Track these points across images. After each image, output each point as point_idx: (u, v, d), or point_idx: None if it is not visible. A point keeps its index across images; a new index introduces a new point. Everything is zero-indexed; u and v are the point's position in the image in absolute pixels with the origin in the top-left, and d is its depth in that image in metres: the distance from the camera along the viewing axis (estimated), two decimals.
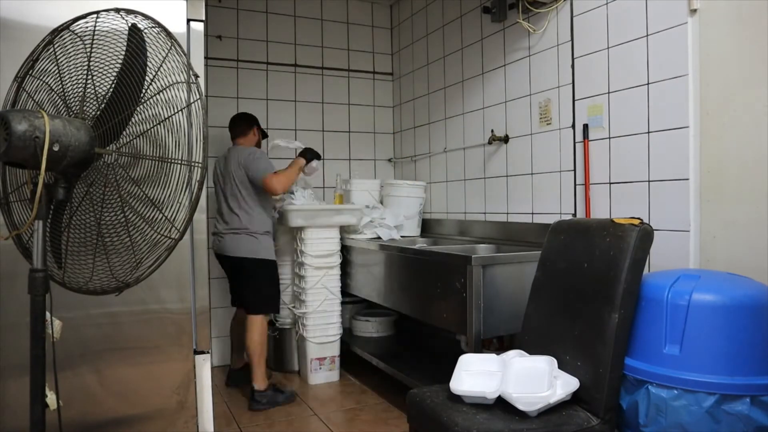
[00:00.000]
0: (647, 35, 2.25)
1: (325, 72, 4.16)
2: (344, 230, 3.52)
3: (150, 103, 1.35)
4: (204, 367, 1.89)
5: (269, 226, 3.21)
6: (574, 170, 2.64)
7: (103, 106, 1.35)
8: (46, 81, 1.41)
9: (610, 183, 2.44)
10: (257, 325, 3.08)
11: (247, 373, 3.18)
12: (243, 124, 3.32)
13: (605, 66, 2.45)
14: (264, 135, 3.51)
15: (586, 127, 2.54)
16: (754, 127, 1.91)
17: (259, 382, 3.04)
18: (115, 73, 1.36)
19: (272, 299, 3.23)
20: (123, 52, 1.36)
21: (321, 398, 3.18)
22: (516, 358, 1.82)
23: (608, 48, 2.43)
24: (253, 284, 3.13)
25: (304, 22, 4.10)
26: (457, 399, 1.73)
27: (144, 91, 1.34)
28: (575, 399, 1.69)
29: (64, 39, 1.41)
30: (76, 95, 1.39)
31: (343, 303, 3.51)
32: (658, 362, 1.60)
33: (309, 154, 3.35)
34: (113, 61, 1.38)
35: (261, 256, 3.12)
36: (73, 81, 1.40)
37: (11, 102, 1.43)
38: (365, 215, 3.51)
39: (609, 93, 2.44)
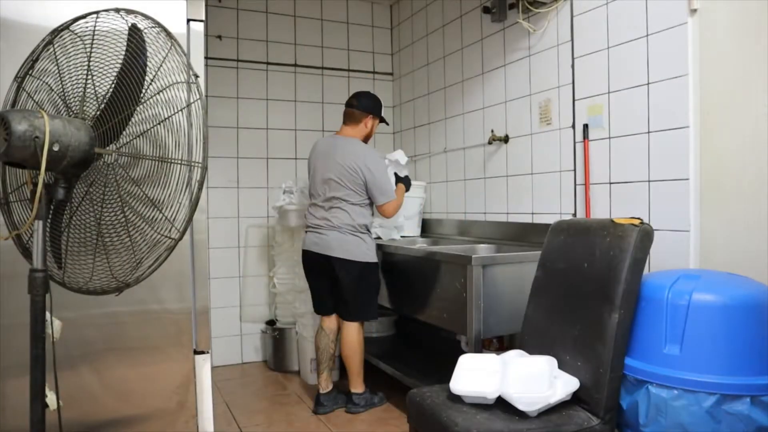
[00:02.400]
0: (647, 35, 2.25)
1: (325, 72, 4.16)
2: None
3: (150, 103, 1.35)
4: (204, 367, 1.88)
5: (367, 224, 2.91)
6: (574, 170, 2.64)
7: (103, 106, 1.35)
8: (46, 81, 1.41)
9: (610, 183, 2.44)
10: (356, 332, 2.90)
11: (338, 394, 3.01)
12: (357, 112, 2.95)
13: (605, 66, 2.45)
14: (383, 121, 3.10)
15: (586, 127, 2.54)
16: (754, 127, 1.91)
17: (358, 387, 2.95)
18: (115, 73, 1.36)
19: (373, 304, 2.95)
20: (123, 52, 1.36)
21: None
22: (516, 358, 1.82)
23: (608, 48, 2.43)
24: (355, 288, 2.85)
25: (304, 22, 4.10)
26: (457, 399, 1.73)
27: (144, 91, 1.34)
28: (575, 399, 1.69)
29: (64, 39, 1.41)
30: (76, 95, 1.39)
31: None
32: (658, 362, 1.60)
33: (407, 183, 3.17)
34: (113, 61, 1.38)
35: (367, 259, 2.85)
36: (73, 81, 1.40)
37: (11, 102, 1.43)
38: None
39: (609, 93, 2.44)
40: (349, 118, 2.97)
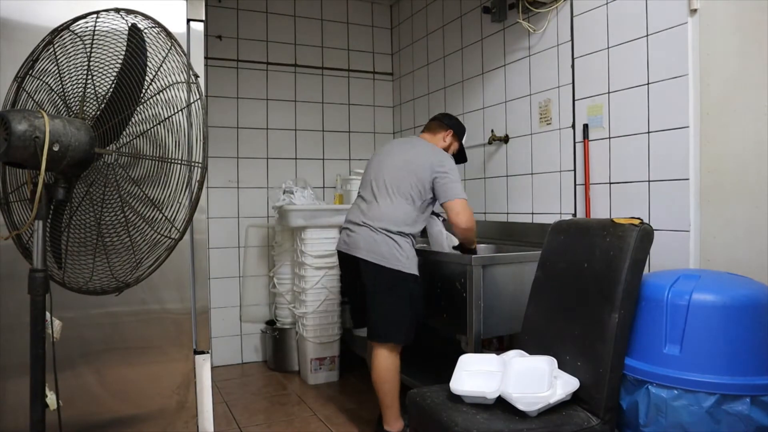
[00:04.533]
0: (647, 35, 2.25)
1: (325, 72, 4.16)
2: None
3: (150, 103, 1.35)
4: (204, 367, 1.89)
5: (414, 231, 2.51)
6: (574, 170, 2.64)
7: (103, 106, 1.35)
8: (46, 81, 1.41)
9: (610, 183, 2.44)
10: (386, 356, 2.45)
11: None
12: (438, 123, 2.74)
13: (605, 66, 2.45)
14: (460, 158, 2.81)
15: (586, 127, 2.54)
16: (754, 127, 1.91)
17: (391, 424, 2.46)
18: (115, 73, 1.36)
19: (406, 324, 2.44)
20: (123, 52, 1.36)
21: (321, 398, 3.18)
22: (516, 358, 1.82)
23: (608, 48, 2.43)
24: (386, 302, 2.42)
25: (304, 22, 4.10)
26: (457, 399, 1.73)
27: (144, 91, 1.34)
28: (575, 399, 1.69)
29: (64, 39, 1.41)
30: (76, 95, 1.39)
31: (343, 303, 3.51)
32: (658, 362, 1.60)
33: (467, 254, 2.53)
34: (113, 61, 1.38)
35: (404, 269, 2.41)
36: (73, 81, 1.40)
37: (11, 102, 1.43)
38: None
39: (609, 93, 2.44)
40: (428, 128, 2.76)
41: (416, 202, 2.46)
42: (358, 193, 2.64)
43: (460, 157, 2.80)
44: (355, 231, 2.47)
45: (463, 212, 2.42)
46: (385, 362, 2.42)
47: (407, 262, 2.39)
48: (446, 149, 2.68)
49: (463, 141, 2.80)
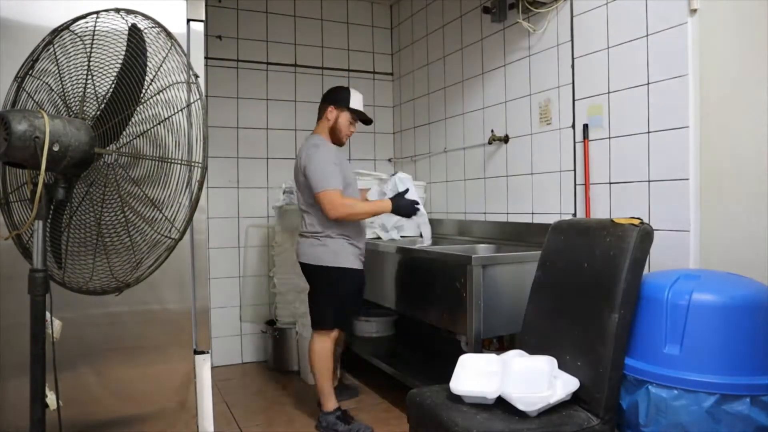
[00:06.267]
0: (647, 35, 2.25)
1: (325, 72, 4.16)
2: None
3: (150, 103, 1.35)
4: (204, 367, 1.88)
5: (338, 228, 2.62)
6: (574, 170, 2.64)
7: (103, 106, 1.35)
8: (46, 81, 1.41)
9: (610, 183, 2.44)
10: (315, 342, 2.69)
11: (339, 390, 2.90)
12: (321, 104, 2.75)
13: (605, 66, 2.45)
14: (363, 120, 2.77)
15: (586, 127, 2.54)
16: (754, 127, 1.91)
17: (325, 406, 2.69)
18: (115, 73, 1.36)
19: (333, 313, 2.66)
20: (123, 52, 1.36)
21: None
22: (516, 358, 1.82)
23: (608, 48, 2.43)
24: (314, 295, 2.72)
25: (304, 22, 4.10)
26: (457, 399, 1.73)
27: (144, 91, 1.34)
28: (575, 399, 1.69)
29: (64, 39, 1.41)
30: (76, 95, 1.39)
31: None
32: (658, 362, 1.60)
33: (402, 206, 2.65)
34: (113, 61, 1.38)
35: (325, 263, 2.63)
36: (73, 81, 1.40)
37: (11, 102, 1.43)
38: None
39: (609, 93, 2.44)
40: (318, 113, 2.78)
41: (319, 208, 2.57)
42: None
43: (363, 119, 2.78)
44: (298, 239, 2.75)
45: (329, 203, 2.50)
46: (317, 346, 2.65)
47: (331, 257, 2.60)
48: (335, 126, 2.69)
49: (354, 105, 2.71)
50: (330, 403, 2.67)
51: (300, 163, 2.62)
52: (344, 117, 2.71)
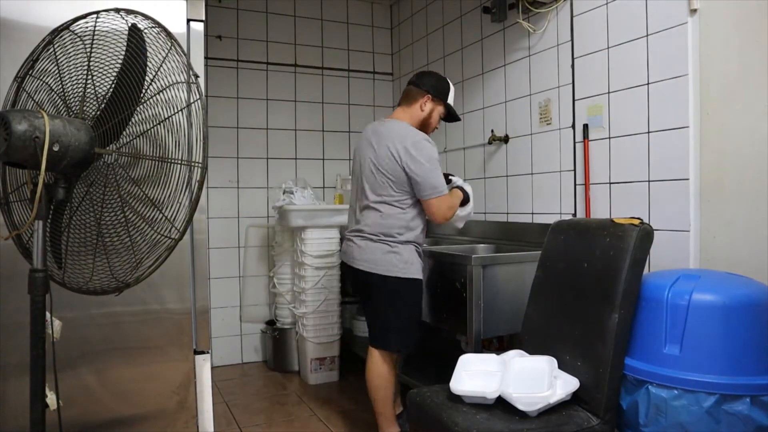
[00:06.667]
0: (647, 35, 2.25)
1: (325, 72, 4.16)
2: (344, 230, 3.52)
3: (150, 103, 1.35)
4: (204, 367, 1.89)
5: (411, 234, 2.32)
6: (574, 170, 2.64)
7: (103, 106, 1.35)
8: (46, 81, 1.41)
9: (610, 183, 2.44)
10: (379, 362, 2.38)
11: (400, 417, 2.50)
12: (413, 89, 2.39)
13: (605, 66, 2.45)
14: (451, 118, 2.50)
15: (586, 127, 2.54)
16: (754, 127, 1.91)
17: (384, 430, 2.40)
18: (115, 73, 1.36)
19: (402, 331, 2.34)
20: (123, 52, 1.36)
21: (321, 398, 3.18)
22: (516, 358, 1.82)
23: (608, 48, 2.43)
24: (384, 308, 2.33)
25: (304, 22, 4.10)
26: (457, 399, 1.73)
27: (144, 91, 1.34)
28: (575, 399, 1.69)
29: (64, 39, 1.41)
30: (76, 95, 1.39)
31: (343, 303, 3.51)
32: (658, 362, 1.60)
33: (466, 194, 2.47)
34: (113, 61, 1.38)
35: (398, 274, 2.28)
36: (73, 81, 1.40)
37: (11, 102, 1.43)
38: None
39: (609, 93, 2.44)
40: (403, 98, 2.42)
41: (400, 201, 2.26)
42: (350, 196, 2.53)
43: (450, 118, 2.51)
44: (351, 239, 2.38)
45: (438, 211, 2.25)
46: (378, 368, 2.36)
47: (404, 267, 2.27)
48: (428, 119, 2.39)
49: (451, 101, 2.45)
50: (392, 429, 2.38)
51: (397, 146, 2.23)
52: (438, 111, 2.42)
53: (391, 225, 2.26)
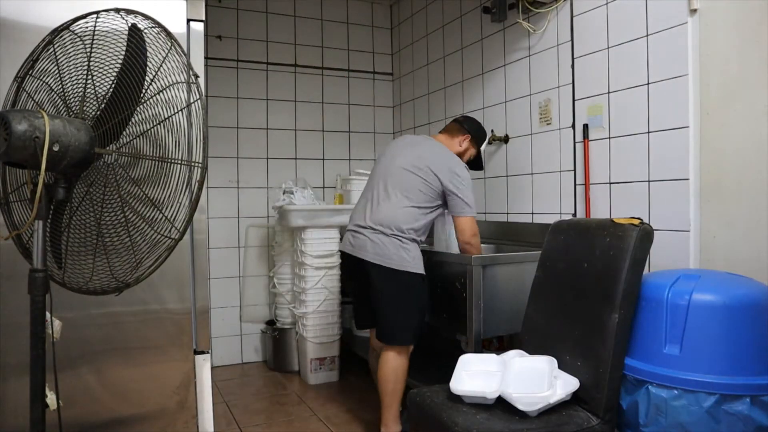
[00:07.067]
0: (647, 35, 2.25)
1: (325, 72, 4.16)
2: (347, 225, 3.52)
3: (150, 103, 1.35)
4: (204, 367, 1.89)
5: (420, 233, 2.44)
6: (574, 170, 2.64)
7: (103, 106, 1.35)
8: (46, 81, 1.41)
9: (610, 183, 2.44)
10: (392, 358, 2.40)
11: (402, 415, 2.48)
12: (457, 126, 2.65)
13: (605, 66, 2.45)
14: (476, 165, 2.72)
15: (586, 127, 2.54)
16: (754, 127, 1.91)
17: (387, 425, 2.41)
18: (115, 73, 1.36)
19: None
20: (123, 53, 1.36)
21: (321, 398, 3.18)
22: (516, 358, 1.82)
23: (608, 48, 2.43)
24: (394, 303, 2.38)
25: (304, 22, 4.10)
26: (457, 399, 1.73)
27: (144, 91, 1.34)
28: (575, 399, 1.69)
29: (64, 39, 1.41)
30: (76, 95, 1.39)
31: (343, 303, 3.51)
32: (658, 362, 1.60)
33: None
34: (113, 61, 1.38)
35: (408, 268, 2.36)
36: (73, 81, 1.40)
37: (11, 102, 1.43)
38: None
39: (609, 93, 2.44)
40: (446, 130, 2.69)
41: (422, 206, 2.40)
42: (363, 193, 2.57)
43: (475, 164, 2.71)
44: (361, 232, 2.41)
45: (469, 229, 2.42)
46: (393, 363, 2.39)
47: (414, 263, 2.36)
48: (461, 154, 2.59)
49: (482, 148, 2.71)
50: (395, 426, 2.42)
51: (442, 164, 2.41)
52: (470, 153, 2.65)
53: (407, 222, 2.38)
